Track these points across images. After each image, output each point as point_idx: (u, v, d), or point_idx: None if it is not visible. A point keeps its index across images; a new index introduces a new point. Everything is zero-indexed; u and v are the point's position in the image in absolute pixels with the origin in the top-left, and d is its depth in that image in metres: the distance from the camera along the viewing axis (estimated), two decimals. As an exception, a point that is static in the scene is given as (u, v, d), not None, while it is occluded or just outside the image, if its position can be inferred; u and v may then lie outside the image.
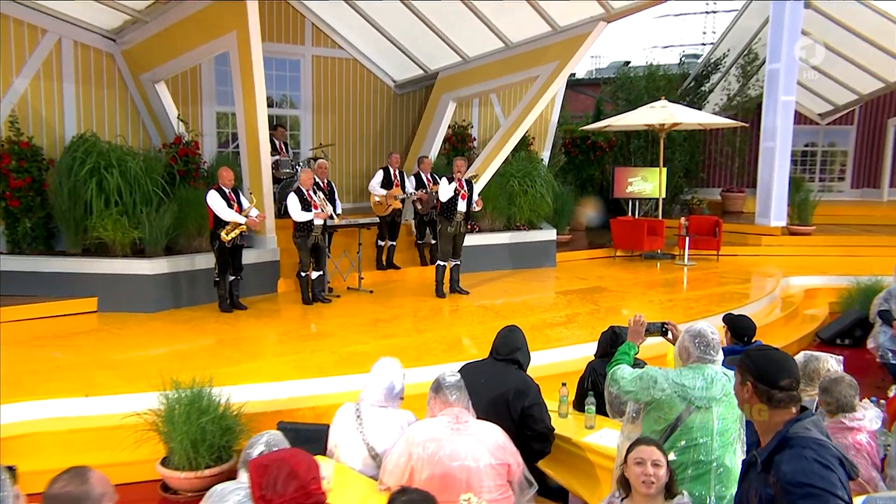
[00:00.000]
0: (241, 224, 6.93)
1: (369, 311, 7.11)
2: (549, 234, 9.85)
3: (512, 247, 9.53)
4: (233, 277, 7.17)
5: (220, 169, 7.08)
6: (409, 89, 11.13)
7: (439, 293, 7.53)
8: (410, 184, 8.54)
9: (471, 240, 9.09)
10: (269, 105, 9.80)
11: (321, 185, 7.83)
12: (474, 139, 11.13)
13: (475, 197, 7.45)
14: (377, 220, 8.43)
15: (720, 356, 2.70)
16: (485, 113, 11.44)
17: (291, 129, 10.51)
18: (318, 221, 7.23)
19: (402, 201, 8.58)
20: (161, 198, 7.42)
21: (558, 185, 10.31)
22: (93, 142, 7.48)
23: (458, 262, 7.65)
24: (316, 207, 7.27)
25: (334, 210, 7.62)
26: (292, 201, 7.26)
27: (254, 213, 6.96)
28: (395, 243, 8.78)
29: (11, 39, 7.79)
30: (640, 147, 12.87)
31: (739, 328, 3.78)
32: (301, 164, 9.41)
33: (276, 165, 8.92)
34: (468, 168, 8.07)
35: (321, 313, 7.01)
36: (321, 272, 7.50)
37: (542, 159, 10.89)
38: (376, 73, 10.75)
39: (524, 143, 11.17)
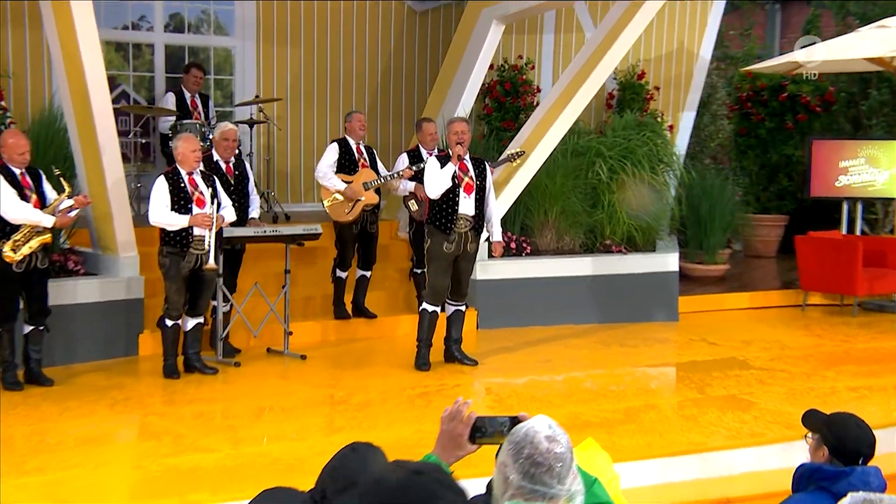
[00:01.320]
0: (43, 230, 6.09)
1: (276, 392, 6.53)
2: (667, 262, 8.90)
3: (595, 283, 8.56)
4: (29, 328, 6.27)
5: (3, 135, 6.31)
6: (434, 3, 10.72)
7: (420, 362, 6.74)
8: (402, 164, 7.65)
9: (512, 268, 8.31)
10: (174, 28, 9.66)
11: (222, 168, 6.95)
12: (539, 90, 10.20)
13: (489, 192, 6.65)
14: (343, 230, 7.70)
15: (576, 486, 2.28)
16: (562, 43, 10.72)
17: (218, 71, 10.21)
18: (201, 232, 6.38)
19: (378, 193, 7.63)
20: None
21: (694, 173, 9.67)
22: None
23: (462, 308, 6.84)
24: (201, 206, 6.39)
25: (241, 211, 6.98)
26: (155, 193, 6.45)
27: (66, 203, 6.20)
28: (368, 273, 7.79)
29: None
30: (883, 104, 11.35)
31: (849, 441, 3.34)
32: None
33: (173, 132, 8.09)
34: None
35: (184, 395, 6.40)
36: (199, 320, 6.69)
37: (665, 125, 10.18)
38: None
39: (635, 93, 10.49)
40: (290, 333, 7.15)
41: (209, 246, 6.42)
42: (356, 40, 10.40)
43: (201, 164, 6.60)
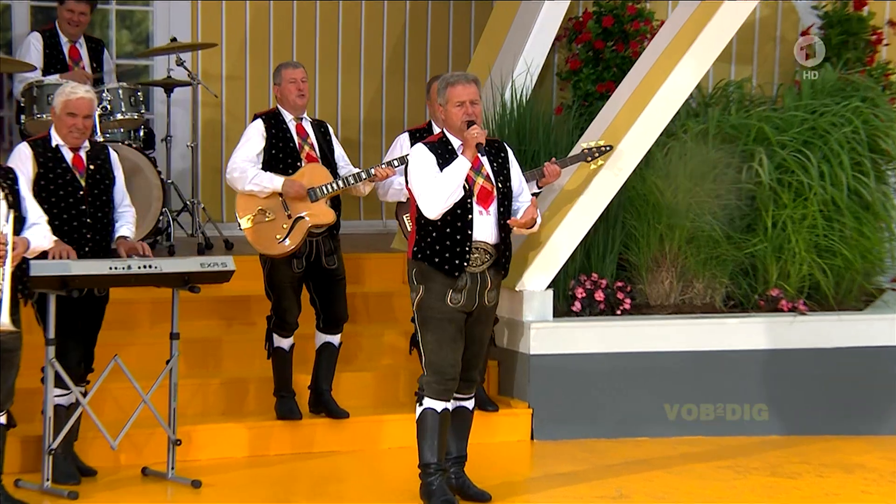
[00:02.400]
0: None
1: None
2: (885, 331, 8.48)
3: (748, 364, 8.22)
4: None
5: None
6: None
7: (433, 499, 6.44)
8: (399, 150, 7.67)
9: (597, 335, 8.01)
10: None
11: (66, 159, 6.84)
12: (653, 22, 9.79)
13: (517, 199, 6.62)
14: (275, 268, 7.51)
15: None
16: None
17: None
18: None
19: (337, 208, 7.41)
20: None
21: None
22: None
23: (469, 404, 6.68)
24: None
25: (99, 232, 6.97)
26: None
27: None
28: (336, 339, 7.45)
29: None
30: None
31: None
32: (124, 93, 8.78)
33: (28, 99, 8.30)
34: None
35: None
36: (-1, 419, 6.56)
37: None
38: None
39: (848, 33, 10.16)
40: (178, 443, 6.68)
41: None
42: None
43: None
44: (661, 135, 8.19)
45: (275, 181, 7.09)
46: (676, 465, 7.50)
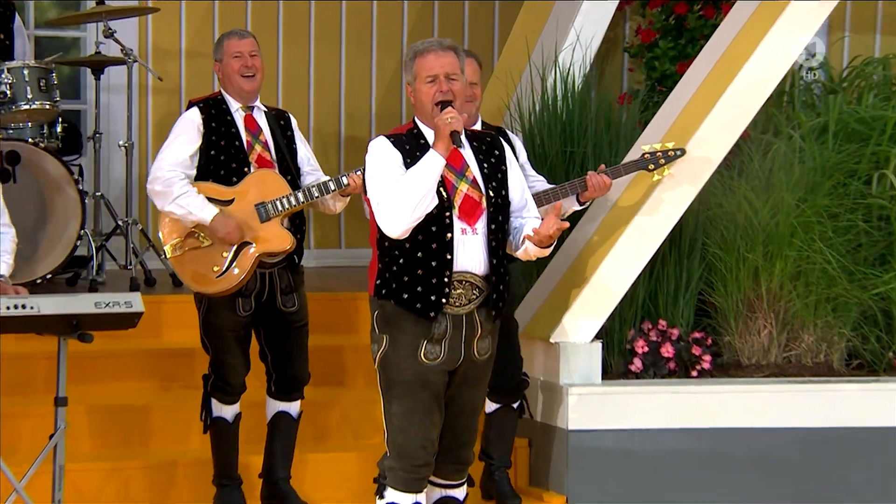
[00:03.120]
0: None
1: None
2: None
3: (879, 447, 8.04)
4: None
5: None
6: None
7: None
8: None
9: (662, 404, 7.71)
10: None
11: None
12: None
13: (518, 214, 6.27)
14: (213, 311, 7.31)
15: None
16: None
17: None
18: None
19: (300, 230, 7.34)
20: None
21: None
22: None
23: (458, 493, 6.25)
24: None
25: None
26: None
27: None
28: (293, 408, 7.30)
29: None
30: None
31: None
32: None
33: None
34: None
35: None
36: None
37: None
38: None
39: None
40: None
41: None
42: None
43: None
44: (758, 133, 7.91)
45: (205, 211, 6.62)
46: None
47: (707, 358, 7.50)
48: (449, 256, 5.49)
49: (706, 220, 7.57)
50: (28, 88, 8.40)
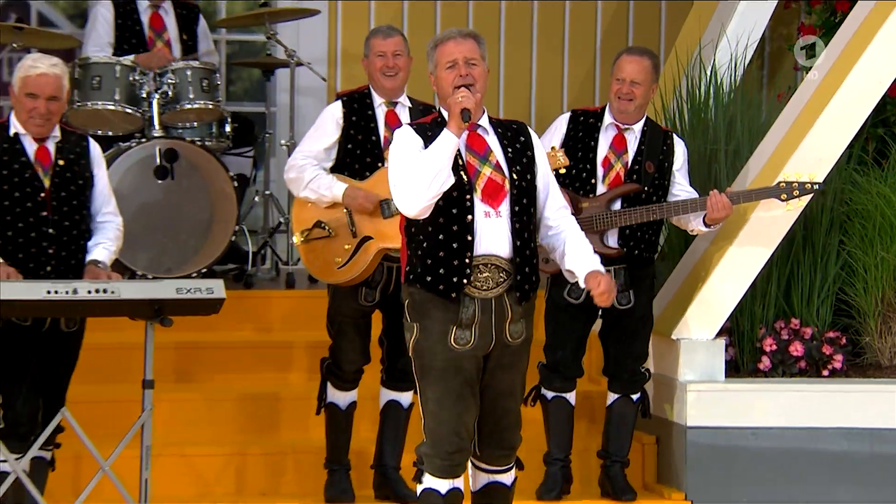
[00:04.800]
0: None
1: None
2: None
3: None
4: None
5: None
6: None
7: None
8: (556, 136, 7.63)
9: (792, 403, 7.76)
10: None
11: (27, 152, 6.96)
12: None
13: (546, 189, 6.46)
14: (337, 301, 7.53)
15: None
16: None
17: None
18: None
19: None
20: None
21: None
22: None
23: (506, 479, 6.39)
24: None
25: (66, 247, 6.98)
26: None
27: None
28: (405, 397, 7.57)
29: None
30: None
31: None
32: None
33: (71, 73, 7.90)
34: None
35: None
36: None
37: None
38: None
39: None
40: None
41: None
42: None
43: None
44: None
45: (335, 188, 6.79)
46: None
47: (839, 357, 7.40)
48: (470, 238, 5.60)
49: (841, 217, 7.44)
50: (190, 88, 8.62)
